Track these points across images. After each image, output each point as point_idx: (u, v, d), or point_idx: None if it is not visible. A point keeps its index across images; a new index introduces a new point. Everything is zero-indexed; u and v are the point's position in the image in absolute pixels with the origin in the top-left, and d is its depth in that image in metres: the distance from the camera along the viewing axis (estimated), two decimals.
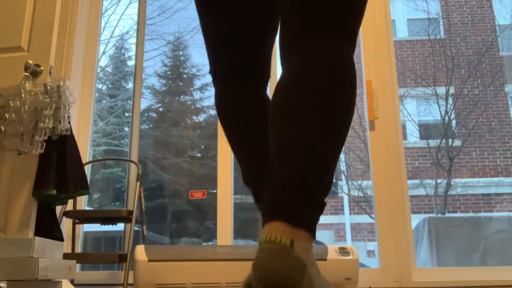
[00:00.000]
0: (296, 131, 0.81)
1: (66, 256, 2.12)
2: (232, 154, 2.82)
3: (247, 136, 1.09)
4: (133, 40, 7.96)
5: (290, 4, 0.93)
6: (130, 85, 7.80)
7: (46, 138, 1.98)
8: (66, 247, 2.58)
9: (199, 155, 6.43)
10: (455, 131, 8.45)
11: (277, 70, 2.84)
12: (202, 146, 6.52)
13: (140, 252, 2.21)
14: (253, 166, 1.05)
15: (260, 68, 1.16)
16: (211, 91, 6.93)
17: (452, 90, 8.66)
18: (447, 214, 7.95)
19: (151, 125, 6.75)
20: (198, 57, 7.09)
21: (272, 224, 0.76)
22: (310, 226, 0.78)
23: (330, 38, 0.90)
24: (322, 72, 0.85)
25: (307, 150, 0.79)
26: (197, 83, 7.20)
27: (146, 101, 6.85)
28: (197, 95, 7.08)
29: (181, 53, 7.43)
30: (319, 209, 0.81)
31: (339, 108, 0.84)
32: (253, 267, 0.73)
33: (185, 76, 7.42)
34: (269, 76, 1.19)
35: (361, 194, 8.39)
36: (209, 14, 1.15)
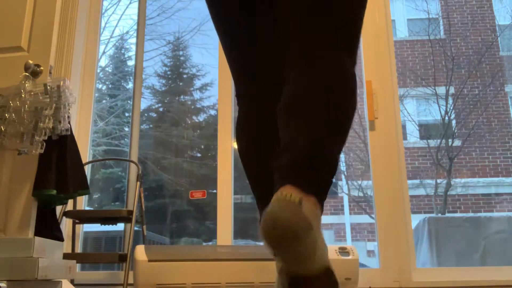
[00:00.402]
0: (305, 123, 0.92)
1: (66, 256, 2.12)
2: (232, 154, 2.83)
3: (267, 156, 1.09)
4: (133, 40, 7.96)
5: (298, 23, 1.02)
6: (130, 85, 7.80)
7: (46, 138, 1.98)
8: (66, 247, 2.58)
9: (199, 155, 6.43)
10: (455, 131, 8.45)
11: None
12: (202, 146, 6.52)
13: (140, 252, 2.21)
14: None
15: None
16: (211, 91, 6.93)
17: (452, 90, 8.66)
18: (447, 214, 7.95)
19: (151, 125, 6.74)
20: (198, 57, 7.09)
21: (285, 187, 0.83)
22: (317, 194, 0.85)
23: (335, 53, 1.00)
24: (330, 87, 0.95)
25: (313, 135, 0.90)
26: (197, 83, 7.19)
27: (146, 101, 6.85)
28: (197, 95, 7.08)
29: (181, 53, 7.43)
30: (327, 183, 0.90)
31: (340, 105, 0.95)
32: (263, 216, 0.78)
33: (185, 76, 7.42)
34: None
35: (361, 194, 8.39)
36: (232, 48, 1.21)
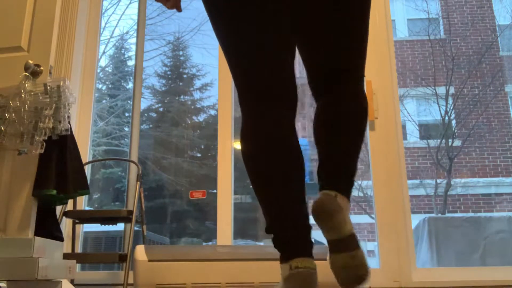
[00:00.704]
0: (337, 147, 1.30)
1: (66, 256, 2.12)
2: (232, 154, 2.82)
3: (281, 169, 1.24)
4: (133, 40, 7.95)
5: (324, 52, 1.32)
6: (130, 85, 7.80)
7: (46, 138, 1.98)
8: (66, 247, 2.58)
9: (199, 155, 6.42)
10: (455, 131, 8.45)
11: None
12: (202, 146, 6.51)
13: (140, 252, 2.21)
14: (283, 205, 1.23)
15: (289, 93, 1.30)
16: (211, 91, 6.93)
17: (452, 90, 8.66)
18: (447, 214, 7.94)
19: (151, 125, 6.74)
20: (198, 57, 7.08)
21: (325, 189, 1.24)
22: (346, 193, 1.27)
23: (353, 81, 1.34)
24: (351, 111, 1.31)
25: (343, 155, 1.29)
26: (197, 83, 7.19)
27: (146, 101, 6.84)
28: (197, 95, 7.07)
29: (181, 53, 7.42)
30: (352, 184, 1.30)
31: (360, 132, 1.32)
32: (291, 280, 1.19)
33: (185, 76, 7.42)
34: (296, 103, 1.32)
35: (361, 194, 8.39)
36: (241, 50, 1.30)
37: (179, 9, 1.46)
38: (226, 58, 1.32)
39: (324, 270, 2.20)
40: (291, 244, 1.19)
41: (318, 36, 1.31)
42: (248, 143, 1.25)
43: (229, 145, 2.84)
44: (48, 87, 2.03)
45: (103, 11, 3.39)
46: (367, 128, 1.39)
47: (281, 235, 1.21)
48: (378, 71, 2.85)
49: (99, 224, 2.59)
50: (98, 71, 6.48)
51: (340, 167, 1.29)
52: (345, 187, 1.27)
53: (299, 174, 1.23)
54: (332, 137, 1.30)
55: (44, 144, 1.97)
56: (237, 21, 1.25)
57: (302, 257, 1.18)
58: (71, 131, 2.13)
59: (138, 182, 2.60)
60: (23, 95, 2.01)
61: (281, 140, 1.23)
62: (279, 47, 1.27)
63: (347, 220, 1.20)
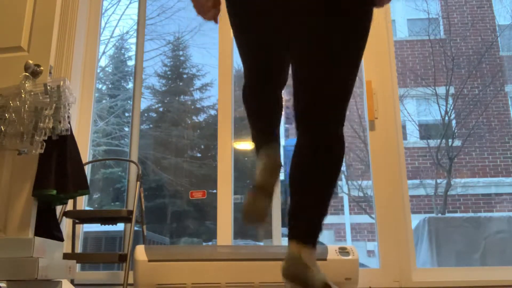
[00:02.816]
0: (305, 193, 1.37)
1: (66, 256, 2.12)
2: (232, 154, 2.83)
3: (265, 116, 1.59)
4: (133, 40, 7.96)
5: (310, 87, 1.39)
6: (130, 85, 7.80)
7: (46, 138, 1.98)
8: (66, 247, 2.58)
9: (199, 155, 6.42)
10: (455, 131, 8.45)
11: None
12: (202, 146, 6.51)
13: (140, 252, 2.21)
14: (265, 127, 1.59)
15: (283, 80, 1.60)
16: (211, 91, 6.92)
17: (452, 90, 8.66)
18: (447, 214, 7.95)
19: (151, 125, 6.74)
20: (198, 57, 7.08)
21: (292, 243, 1.34)
22: (312, 243, 1.34)
23: (333, 123, 1.39)
24: (326, 152, 1.38)
25: (313, 203, 1.37)
26: (197, 83, 7.19)
27: (146, 101, 6.84)
28: (197, 95, 7.07)
29: (181, 53, 7.42)
30: (319, 231, 1.37)
31: (332, 181, 1.39)
32: (281, 269, 1.35)
33: (185, 76, 7.42)
34: (285, 84, 1.61)
35: (361, 194, 8.39)
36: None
37: (216, 21, 1.60)
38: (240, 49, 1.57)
39: (324, 270, 2.20)
40: (261, 138, 1.54)
41: (307, 66, 1.39)
42: (250, 99, 1.58)
43: (229, 145, 2.84)
44: (48, 87, 2.03)
45: (103, 11, 3.39)
46: (342, 168, 1.45)
47: (258, 138, 1.57)
48: (378, 71, 2.85)
49: (99, 224, 2.59)
50: (98, 71, 6.48)
51: (310, 216, 1.36)
52: (312, 237, 1.35)
53: (277, 115, 1.58)
54: (305, 185, 1.38)
55: (44, 144, 1.97)
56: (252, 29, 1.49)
57: (291, 240, 1.35)
58: (71, 131, 2.13)
59: (138, 182, 2.60)
60: (23, 95, 2.01)
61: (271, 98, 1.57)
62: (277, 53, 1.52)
63: (315, 272, 1.29)
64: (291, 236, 1.35)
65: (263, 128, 1.58)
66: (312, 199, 1.37)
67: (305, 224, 1.36)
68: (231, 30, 1.58)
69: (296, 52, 1.41)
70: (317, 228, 1.37)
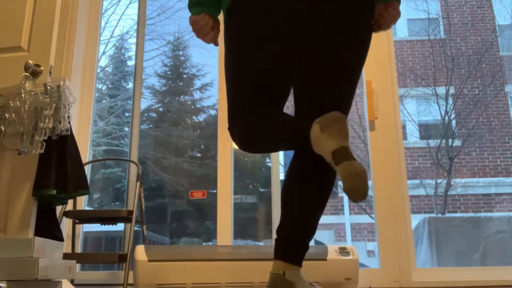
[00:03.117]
0: (295, 210, 1.38)
1: (66, 256, 2.12)
2: (232, 154, 2.82)
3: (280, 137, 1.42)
4: (133, 40, 7.96)
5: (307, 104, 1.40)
6: (130, 85, 7.80)
7: (46, 138, 1.98)
8: (66, 247, 2.58)
9: (199, 155, 6.42)
10: (455, 131, 8.45)
11: None
12: (202, 146, 6.51)
13: (140, 252, 2.21)
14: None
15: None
16: (211, 91, 6.93)
17: (452, 90, 8.66)
18: (447, 214, 7.95)
19: (151, 125, 6.74)
20: (198, 57, 7.08)
21: (276, 261, 1.36)
22: (296, 260, 1.36)
23: None
24: (320, 176, 1.38)
25: (301, 223, 1.37)
26: (197, 83, 7.19)
27: (146, 101, 6.84)
28: (197, 95, 7.07)
29: (181, 53, 7.42)
30: (305, 250, 1.38)
31: (326, 195, 1.40)
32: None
33: (185, 76, 7.42)
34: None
35: None
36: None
37: (216, 44, 1.59)
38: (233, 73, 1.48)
39: (324, 270, 2.21)
40: (276, 245, 1.40)
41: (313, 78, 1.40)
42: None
43: (229, 145, 2.84)
44: (48, 87, 2.03)
45: (103, 11, 3.39)
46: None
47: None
48: (378, 71, 2.85)
49: (99, 224, 2.59)
50: (98, 71, 6.48)
51: (299, 238, 1.36)
52: (300, 258, 1.36)
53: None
54: (298, 200, 1.37)
55: (44, 144, 1.97)
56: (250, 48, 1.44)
57: (276, 260, 1.36)
58: (71, 131, 2.13)
59: (138, 182, 2.60)
60: (23, 95, 2.01)
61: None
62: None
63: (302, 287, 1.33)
64: (277, 256, 1.36)
65: (293, 144, 1.40)
66: (302, 218, 1.37)
67: (294, 247, 1.36)
68: (225, 53, 1.51)
69: (303, 66, 1.40)
70: (305, 249, 1.38)
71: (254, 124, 1.41)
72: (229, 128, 1.49)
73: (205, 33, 1.53)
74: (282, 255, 1.35)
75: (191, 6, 1.51)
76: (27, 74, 2.07)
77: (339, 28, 1.36)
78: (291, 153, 1.45)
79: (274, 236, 2.75)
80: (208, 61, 6.82)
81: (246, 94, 1.45)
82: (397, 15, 1.50)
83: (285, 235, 1.37)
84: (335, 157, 1.20)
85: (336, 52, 1.37)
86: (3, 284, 1.73)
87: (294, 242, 1.36)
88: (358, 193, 1.18)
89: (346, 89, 1.40)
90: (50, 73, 2.13)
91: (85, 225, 2.78)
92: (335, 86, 1.38)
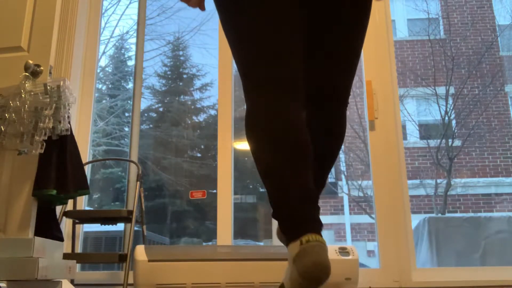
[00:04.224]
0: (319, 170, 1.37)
1: (66, 256, 2.12)
2: (232, 154, 2.82)
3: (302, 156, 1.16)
4: (133, 40, 7.96)
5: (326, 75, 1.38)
6: (130, 85, 7.80)
7: (46, 138, 1.98)
8: (66, 247, 2.58)
9: (199, 155, 6.42)
10: (455, 131, 8.45)
11: None
12: (202, 146, 6.51)
13: (140, 252, 2.21)
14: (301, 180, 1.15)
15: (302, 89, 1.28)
16: (211, 91, 6.92)
17: (452, 90, 8.66)
18: (447, 214, 7.95)
19: (151, 125, 6.74)
20: (198, 57, 7.08)
21: (312, 234, 1.08)
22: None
23: (342, 105, 1.42)
24: (338, 132, 1.41)
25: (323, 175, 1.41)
26: (197, 83, 7.19)
27: (146, 101, 6.84)
28: (197, 95, 7.07)
29: (181, 53, 7.42)
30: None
31: (337, 153, 1.43)
32: (302, 255, 1.04)
33: (185, 76, 7.42)
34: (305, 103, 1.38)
35: (361, 194, 8.39)
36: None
37: (202, 8, 1.40)
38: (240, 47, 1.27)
39: None
40: (300, 220, 1.10)
41: (325, 51, 1.37)
42: (258, 125, 1.19)
43: (229, 145, 2.84)
44: (48, 87, 2.03)
45: (103, 11, 3.39)
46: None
47: (289, 212, 1.14)
48: (378, 71, 2.85)
49: (99, 224, 2.59)
50: (98, 71, 6.48)
51: (316, 202, 1.18)
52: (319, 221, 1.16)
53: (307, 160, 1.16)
54: (316, 159, 1.31)
55: (44, 144, 1.97)
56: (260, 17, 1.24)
57: (312, 233, 1.07)
58: (71, 131, 2.13)
59: (138, 182, 2.60)
60: (23, 95, 2.01)
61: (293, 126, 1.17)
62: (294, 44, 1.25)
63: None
64: (312, 229, 1.08)
65: (300, 184, 1.13)
66: (321, 183, 1.36)
67: (317, 211, 1.15)
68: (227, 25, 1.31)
69: (318, 39, 1.37)
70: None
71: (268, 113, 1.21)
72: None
73: None
74: (312, 228, 1.09)
75: None
76: (27, 74, 2.07)
77: (356, 3, 1.36)
78: None
79: (274, 236, 2.75)
80: (208, 61, 6.82)
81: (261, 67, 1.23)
82: None
83: (307, 200, 1.13)
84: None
85: (352, 29, 1.37)
86: (3, 284, 1.73)
87: (317, 208, 1.15)
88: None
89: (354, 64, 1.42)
90: (50, 73, 2.13)
91: (85, 225, 2.78)
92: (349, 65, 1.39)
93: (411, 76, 8.84)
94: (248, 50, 1.24)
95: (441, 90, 8.63)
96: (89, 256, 2.54)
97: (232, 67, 2.99)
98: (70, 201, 2.57)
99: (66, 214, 2.50)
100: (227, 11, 1.28)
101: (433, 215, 7.77)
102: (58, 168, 2.04)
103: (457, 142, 8.43)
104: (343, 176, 8.47)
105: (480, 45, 8.95)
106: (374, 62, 2.86)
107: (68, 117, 2.07)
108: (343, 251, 2.26)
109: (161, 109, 7.10)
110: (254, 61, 1.23)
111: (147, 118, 6.81)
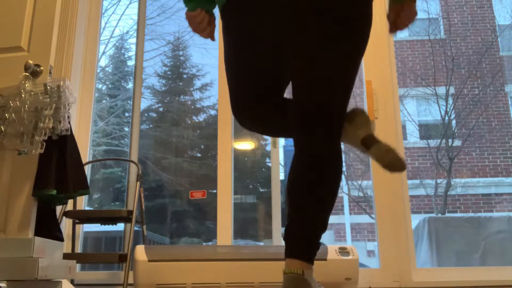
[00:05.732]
0: (305, 210, 1.32)
1: (66, 256, 2.12)
2: (232, 154, 2.82)
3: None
4: (133, 40, 7.96)
5: (307, 96, 1.34)
6: (130, 85, 7.80)
7: (46, 138, 1.98)
8: (66, 247, 2.58)
9: (199, 155, 6.42)
10: (455, 131, 8.45)
11: None
12: (202, 146, 6.51)
13: (140, 252, 2.21)
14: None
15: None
16: (211, 91, 6.92)
17: (452, 90, 8.66)
18: (447, 214, 7.95)
19: (151, 125, 6.74)
20: (198, 57, 7.08)
21: (292, 260, 1.29)
22: (312, 259, 1.30)
23: (330, 137, 1.33)
24: (326, 167, 1.33)
25: (312, 221, 1.32)
26: (197, 83, 7.18)
27: (146, 101, 6.83)
28: (197, 95, 7.07)
29: (181, 53, 7.42)
30: (318, 247, 1.33)
31: (334, 191, 1.35)
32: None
33: (185, 76, 7.41)
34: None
35: (361, 194, 8.39)
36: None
37: (212, 38, 1.59)
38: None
39: (324, 270, 2.21)
40: (287, 243, 1.32)
41: (303, 77, 1.36)
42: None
43: (229, 145, 2.84)
44: (48, 87, 2.03)
45: (103, 11, 3.39)
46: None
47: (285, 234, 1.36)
48: (378, 71, 2.85)
49: (99, 224, 2.59)
50: (98, 71, 6.48)
51: (308, 237, 1.31)
52: (313, 255, 1.31)
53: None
54: (306, 198, 1.32)
55: (44, 144, 1.97)
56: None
57: (292, 258, 1.29)
58: (71, 131, 2.13)
59: (138, 182, 2.60)
60: (23, 95, 2.01)
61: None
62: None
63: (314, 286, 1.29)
64: (291, 255, 1.29)
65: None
66: (312, 216, 1.32)
67: (306, 242, 1.30)
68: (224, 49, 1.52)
69: (297, 62, 1.37)
70: (318, 245, 1.33)
71: (255, 118, 1.48)
72: (234, 115, 1.53)
73: (202, 29, 1.54)
74: (299, 254, 1.28)
75: (186, 2, 1.51)
76: (27, 74, 2.07)
77: (345, 28, 1.39)
78: (291, 153, 1.44)
79: (274, 236, 2.75)
80: (208, 61, 6.81)
81: (245, 92, 1.47)
82: (413, 14, 1.48)
83: (300, 232, 1.31)
84: (365, 144, 1.35)
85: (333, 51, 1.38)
86: (3, 284, 1.73)
87: (310, 240, 1.31)
88: (396, 164, 1.29)
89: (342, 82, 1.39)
90: (50, 73, 2.13)
91: (85, 225, 2.78)
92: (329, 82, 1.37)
93: (411, 76, 8.84)
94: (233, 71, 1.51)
95: (441, 90, 8.63)
96: (89, 256, 2.54)
97: None
98: (70, 201, 2.57)
99: (66, 214, 2.50)
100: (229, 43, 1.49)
101: (433, 215, 7.77)
102: (58, 168, 2.04)
103: (457, 142, 8.43)
104: (343, 176, 8.47)
105: (480, 45, 8.95)
106: (374, 62, 2.86)
107: (68, 117, 2.07)
108: (343, 251, 2.26)
109: (161, 109, 7.10)
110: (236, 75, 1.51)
111: (147, 118, 6.80)
